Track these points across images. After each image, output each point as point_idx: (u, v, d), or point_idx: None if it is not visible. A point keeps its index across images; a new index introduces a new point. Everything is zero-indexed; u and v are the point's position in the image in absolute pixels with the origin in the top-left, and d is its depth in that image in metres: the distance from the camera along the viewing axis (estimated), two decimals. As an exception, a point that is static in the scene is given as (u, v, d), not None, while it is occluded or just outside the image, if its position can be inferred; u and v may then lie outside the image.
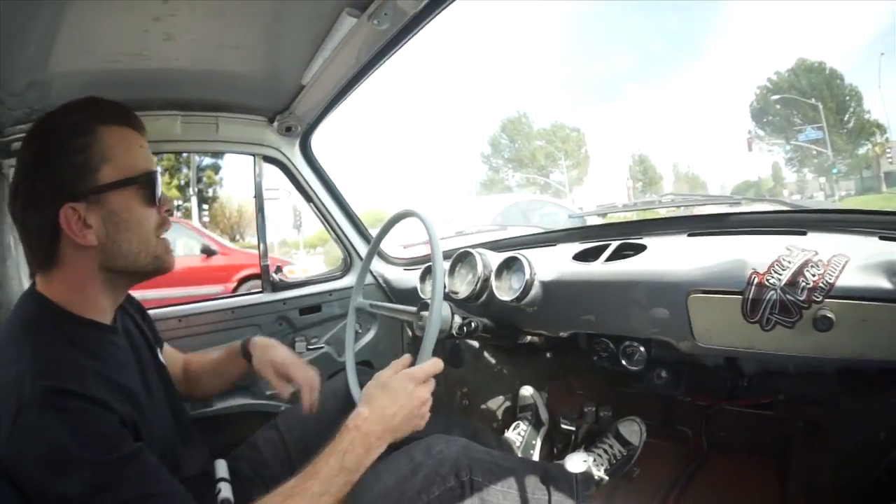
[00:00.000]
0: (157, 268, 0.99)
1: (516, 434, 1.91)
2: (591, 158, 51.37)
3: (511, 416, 2.07)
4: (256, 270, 5.59)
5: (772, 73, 41.45)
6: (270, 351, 1.36)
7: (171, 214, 1.03)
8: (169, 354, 1.34)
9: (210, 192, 24.66)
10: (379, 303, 1.59)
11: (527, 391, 2.07)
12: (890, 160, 33.20)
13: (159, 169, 1.01)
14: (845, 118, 37.63)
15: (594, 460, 1.67)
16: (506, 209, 6.02)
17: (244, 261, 7.20)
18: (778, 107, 40.19)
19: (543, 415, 2.01)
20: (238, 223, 27.38)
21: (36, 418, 0.75)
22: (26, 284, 1.50)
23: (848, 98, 38.16)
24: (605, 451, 1.70)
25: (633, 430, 1.75)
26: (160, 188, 0.98)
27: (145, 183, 0.94)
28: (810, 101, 37.50)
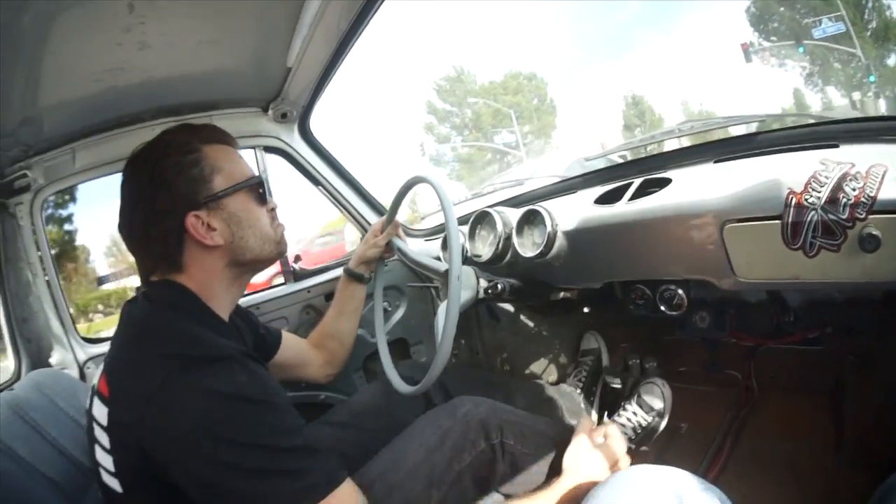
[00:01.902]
0: (280, 252, 1.12)
1: (577, 381, 1.87)
2: (557, 109, 42.86)
3: (567, 367, 2.03)
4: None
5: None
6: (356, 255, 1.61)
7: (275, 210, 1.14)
8: (292, 343, 1.49)
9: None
10: (408, 252, 1.56)
11: (591, 336, 2.04)
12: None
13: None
14: (864, 16, 26.88)
15: (623, 424, 1.62)
16: (570, 164, 7.06)
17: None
18: (782, 8, 30.09)
19: (605, 359, 1.96)
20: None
21: (205, 375, 0.82)
22: (52, 318, 1.57)
23: (862, -11, 26.24)
24: (629, 420, 1.63)
25: (655, 395, 1.66)
26: (266, 189, 1.12)
27: (255, 185, 1.07)
28: (820, -20, 26.34)
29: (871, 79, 24.91)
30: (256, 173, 1.09)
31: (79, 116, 1.50)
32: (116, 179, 1.03)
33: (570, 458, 1.07)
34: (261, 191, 1.07)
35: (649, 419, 1.62)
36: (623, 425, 1.60)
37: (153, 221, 0.97)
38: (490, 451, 1.12)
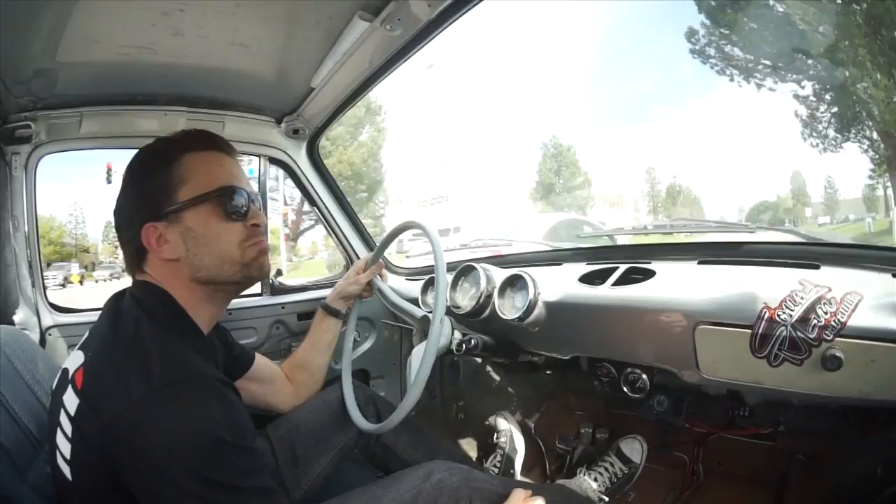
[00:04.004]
0: (248, 275, 1.03)
1: (493, 466, 1.88)
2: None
3: (489, 447, 2.02)
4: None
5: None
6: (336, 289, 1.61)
7: (260, 226, 1.05)
8: (265, 364, 1.46)
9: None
10: (388, 293, 1.59)
11: (500, 421, 2.02)
12: None
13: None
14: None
15: (595, 478, 1.66)
16: (553, 226, 6.59)
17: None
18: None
19: (518, 442, 1.95)
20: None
21: (171, 398, 0.81)
22: (24, 275, 1.54)
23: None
24: (606, 469, 1.69)
25: (634, 448, 1.74)
26: (240, 200, 1.00)
27: (220, 198, 0.98)
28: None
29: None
30: (232, 183, 1.00)
31: (95, 83, 1.51)
32: (116, 154, 1.02)
33: None
34: (232, 202, 0.99)
35: (626, 470, 1.70)
36: (601, 474, 1.67)
37: (121, 225, 0.99)
38: None
